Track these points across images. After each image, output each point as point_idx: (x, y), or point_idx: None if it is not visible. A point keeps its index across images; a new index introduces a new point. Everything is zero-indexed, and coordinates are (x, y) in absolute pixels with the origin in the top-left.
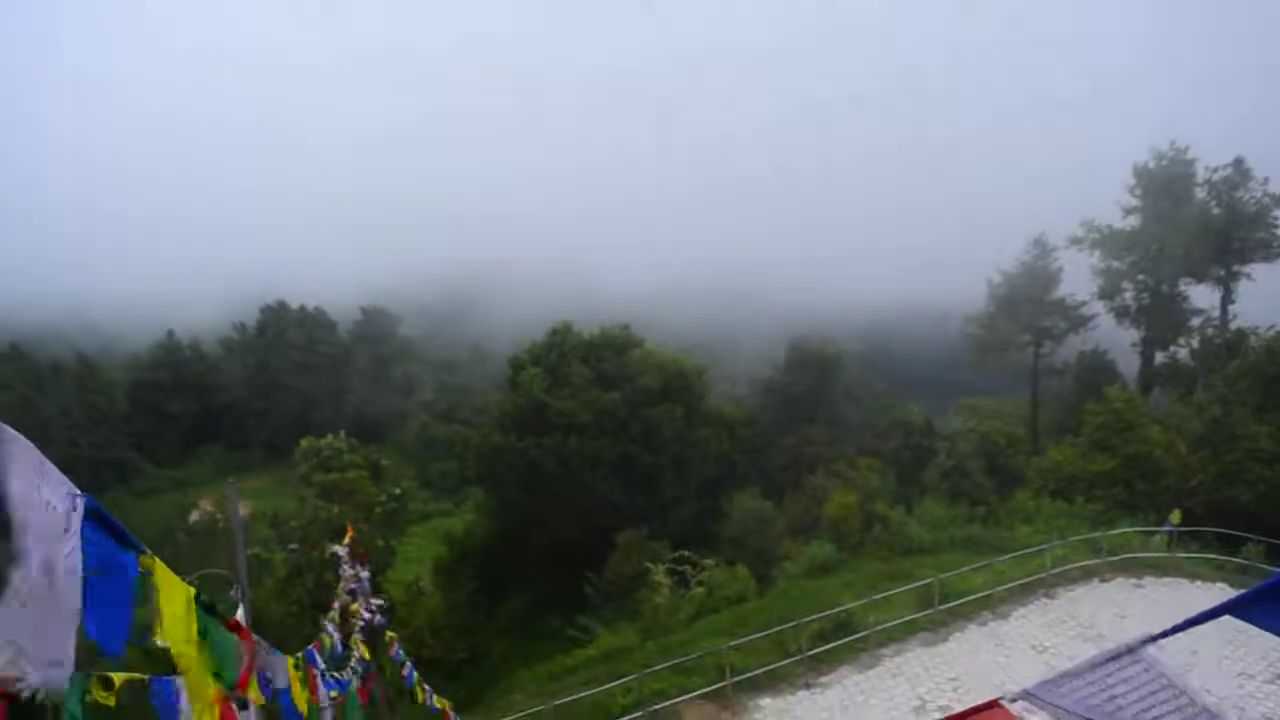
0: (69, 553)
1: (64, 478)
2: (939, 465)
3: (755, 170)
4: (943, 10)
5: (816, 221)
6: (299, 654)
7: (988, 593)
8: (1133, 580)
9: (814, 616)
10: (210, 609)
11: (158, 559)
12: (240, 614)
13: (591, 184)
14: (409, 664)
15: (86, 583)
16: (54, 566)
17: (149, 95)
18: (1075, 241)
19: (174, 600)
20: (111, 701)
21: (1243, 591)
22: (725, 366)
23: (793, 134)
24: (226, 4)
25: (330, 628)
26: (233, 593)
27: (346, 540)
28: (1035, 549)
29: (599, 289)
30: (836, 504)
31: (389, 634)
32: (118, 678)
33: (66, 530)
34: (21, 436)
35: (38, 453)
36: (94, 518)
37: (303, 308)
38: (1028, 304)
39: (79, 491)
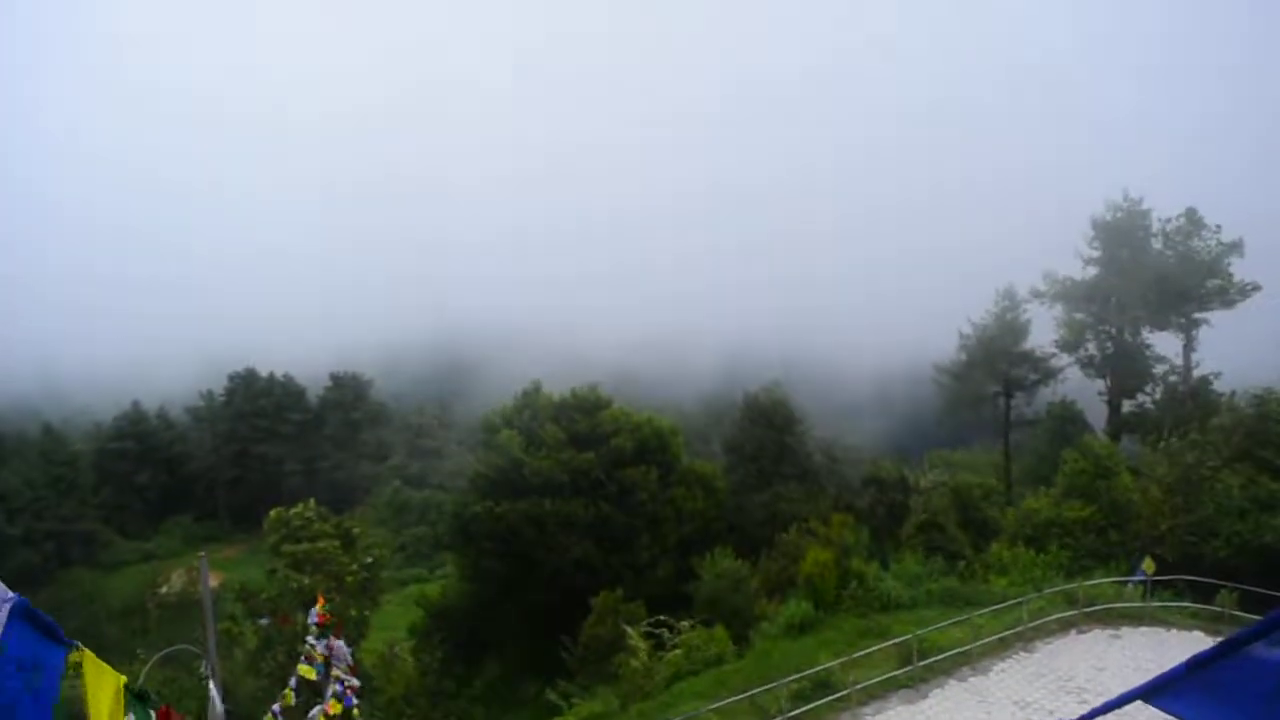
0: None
1: None
2: (914, 520)
3: (707, 239)
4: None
5: (787, 281)
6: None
7: (967, 648)
8: (1109, 631)
9: (793, 677)
10: (142, 696)
11: (87, 651)
12: (213, 688)
13: (558, 246)
14: None
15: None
16: None
17: (114, 148)
18: (1037, 295)
19: (103, 689)
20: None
21: (1159, 675)
22: (693, 420)
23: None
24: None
25: (293, 682)
26: (203, 668)
27: (319, 608)
28: (1012, 602)
29: (565, 351)
30: (811, 561)
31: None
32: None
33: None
34: None
35: None
36: (24, 617)
37: (271, 375)
38: (998, 355)
39: (9, 595)
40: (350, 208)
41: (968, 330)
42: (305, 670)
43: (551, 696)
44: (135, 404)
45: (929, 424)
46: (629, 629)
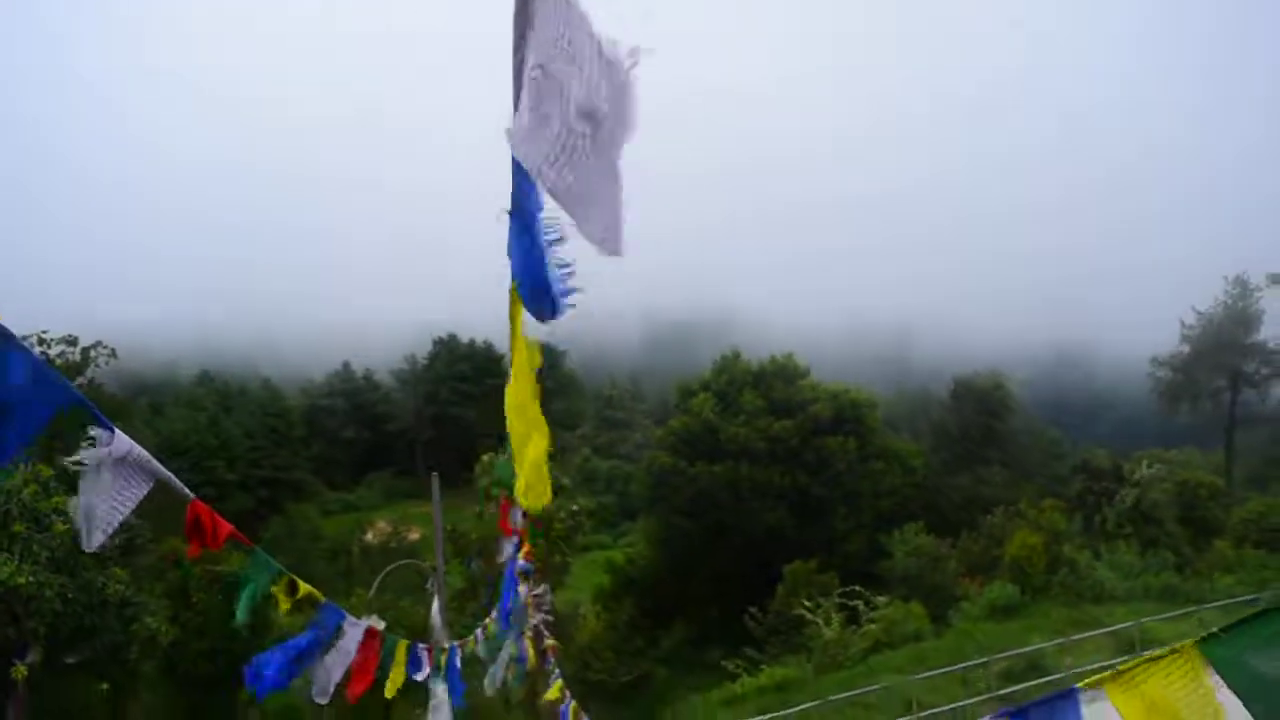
0: None
1: None
2: (1117, 510)
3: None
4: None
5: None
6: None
7: (1121, 667)
8: None
9: (1003, 655)
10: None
11: None
12: (436, 603)
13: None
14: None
15: None
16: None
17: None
18: (1275, 280)
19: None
20: (285, 606)
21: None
22: (886, 406)
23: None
24: None
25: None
26: (428, 584)
27: (523, 554)
28: (1244, 599)
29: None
30: (1019, 544)
31: (550, 641)
32: (304, 587)
33: None
34: None
35: None
36: None
37: (472, 341)
38: (1226, 347)
39: None
40: None
41: (1191, 320)
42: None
43: (737, 665)
44: (345, 364)
45: (1144, 420)
46: (822, 600)
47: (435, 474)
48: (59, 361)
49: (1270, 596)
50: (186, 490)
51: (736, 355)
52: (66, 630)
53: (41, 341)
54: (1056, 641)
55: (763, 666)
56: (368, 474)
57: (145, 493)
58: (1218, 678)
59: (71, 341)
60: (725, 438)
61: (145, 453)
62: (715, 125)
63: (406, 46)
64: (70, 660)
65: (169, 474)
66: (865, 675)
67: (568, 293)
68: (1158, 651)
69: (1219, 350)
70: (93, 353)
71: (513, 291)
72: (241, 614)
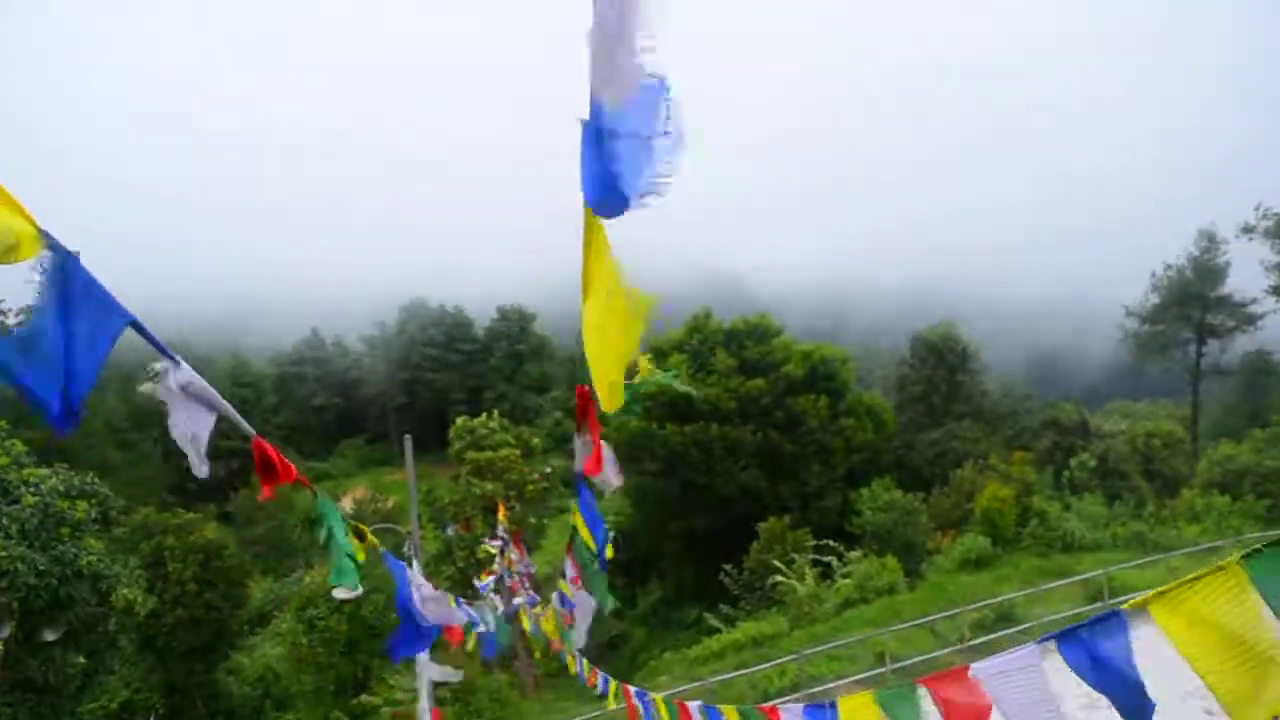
0: None
1: None
2: (1082, 463)
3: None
4: None
5: (951, 219)
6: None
7: (1162, 589)
8: None
9: (973, 605)
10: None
11: None
12: (416, 565)
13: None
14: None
15: None
16: None
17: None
18: (1246, 230)
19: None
20: (360, 554)
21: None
22: (859, 363)
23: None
24: None
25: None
26: (405, 548)
27: (501, 517)
28: (1211, 545)
29: (723, 290)
30: (989, 496)
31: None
32: (370, 537)
33: None
34: None
35: None
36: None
37: (441, 306)
38: (1193, 298)
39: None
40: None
41: (1160, 271)
42: (486, 550)
43: (713, 621)
44: (314, 330)
45: (1119, 372)
46: (796, 556)
47: (408, 437)
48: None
49: (1233, 543)
50: (248, 426)
51: (708, 314)
52: (41, 604)
53: (0, 312)
54: (1026, 591)
55: (738, 623)
56: (340, 442)
57: (214, 423)
58: (1259, 594)
59: None
60: (697, 399)
61: (206, 384)
62: None
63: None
64: (46, 634)
65: (231, 408)
66: (840, 629)
67: (641, 188)
68: (1203, 570)
69: (1186, 302)
70: None
71: (587, 212)
72: (323, 544)
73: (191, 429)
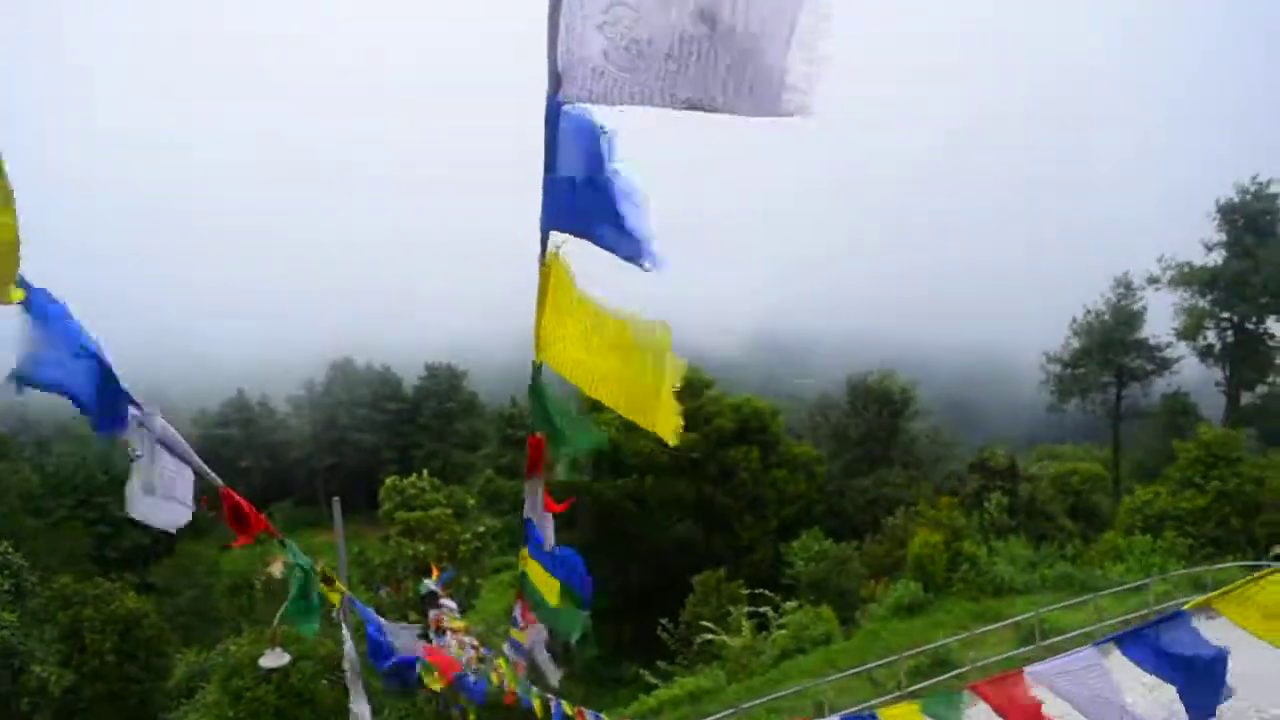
0: None
1: None
2: (999, 502)
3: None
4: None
5: (883, 276)
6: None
7: (1090, 629)
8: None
9: (910, 652)
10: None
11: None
12: (345, 631)
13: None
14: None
15: None
16: None
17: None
18: (1152, 281)
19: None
20: (334, 599)
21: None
22: (790, 413)
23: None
24: None
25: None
26: (334, 615)
27: (434, 578)
28: (1136, 584)
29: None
30: (920, 542)
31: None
32: (339, 584)
33: None
34: None
35: None
36: None
37: (369, 365)
38: (1112, 343)
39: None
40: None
41: (1080, 317)
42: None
43: (650, 678)
44: (240, 391)
45: (1040, 417)
46: (731, 609)
47: (336, 499)
48: None
49: (1158, 580)
50: (216, 477)
51: None
52: None
53: None
54: (960, 636)
55: (676, 678)
56: (267, 505)
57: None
58: None
59: None
60: (629, 452)
61: (177, 435)
62: None
63: None
64: None
65: (198, 460)
66: (778, 680)
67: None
68: (1268, 569)
69: (1105, 347)
70: None
71: (552, 257)
72: (293, 608)
73: (175, 477)
